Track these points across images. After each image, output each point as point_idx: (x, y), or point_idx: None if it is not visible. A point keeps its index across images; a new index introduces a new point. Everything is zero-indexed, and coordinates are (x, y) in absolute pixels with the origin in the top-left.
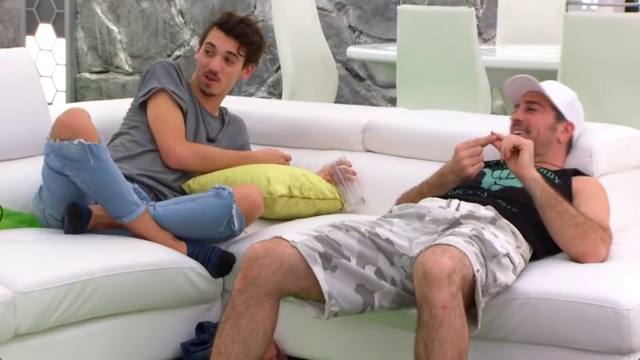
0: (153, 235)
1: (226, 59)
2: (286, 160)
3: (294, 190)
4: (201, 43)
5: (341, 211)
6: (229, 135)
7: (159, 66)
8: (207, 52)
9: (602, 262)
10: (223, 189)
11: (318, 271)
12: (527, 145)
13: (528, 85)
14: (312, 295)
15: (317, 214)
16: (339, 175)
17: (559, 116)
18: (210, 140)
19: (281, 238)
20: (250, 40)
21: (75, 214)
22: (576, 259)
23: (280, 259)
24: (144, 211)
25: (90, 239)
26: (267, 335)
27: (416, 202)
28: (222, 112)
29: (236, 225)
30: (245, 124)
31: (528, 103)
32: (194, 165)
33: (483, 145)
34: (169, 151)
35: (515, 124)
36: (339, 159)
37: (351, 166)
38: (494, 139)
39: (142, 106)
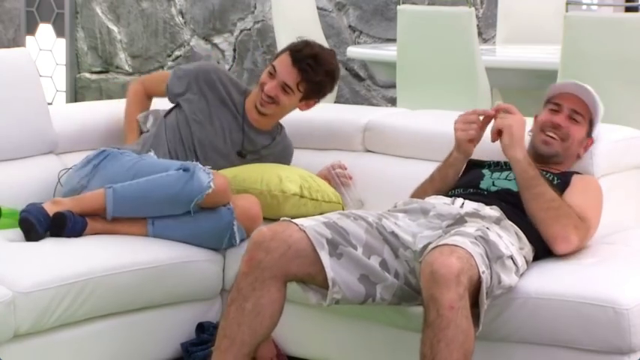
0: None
1: (282, 88)
2: None
3: (304, 191)
4: (273, 59)
5: None
6: (274, 155)
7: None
8: (270, 73)
9: (573, 250)
10: (223, 205)
11: (325, 256)
12: (508, 127)
13: (580, 93)
14: (316, 281)
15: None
16: (335, 180)
17: (589, 132)
18: (241, 155)
19: (290, 221)
20: (313, 79)
21: (58, 225)
22: (549, 244)
23: (288, 242)
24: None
25: (89, 239)
26: (274, 318)
27: (427, 192)
28: (276, 130)
29: (237, 239)
30: (292, 152)
31: (573, 112)
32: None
33: (481, 117)
34: None
35: (555, 128)
36: (332, 163)
37: (346, 169)
38: (494, 115)
39: None
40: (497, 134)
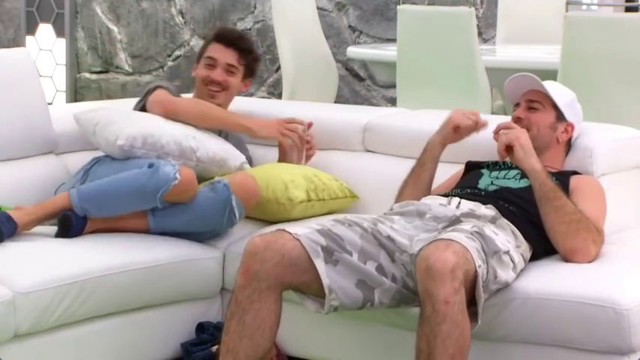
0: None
1: (227, 71)
2: (294, 133)
3: (311, 194)
4: (198, 59)
5: (347, 210)
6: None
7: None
8: (209, 65)
9: (589, 262)
10: (218, 182)
11: (320, 264)
12: (516, 139)
13: (530, 84)
14: (312, 289)
15: (329, 213)
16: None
17: (560, 116)
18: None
19: (283, 230)
20: (249, 50)
21: (65, 226)
22: (564, 256)
23: (281, 252)
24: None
25: (88, 239)
26: (273, 329)
27: (409, 184)
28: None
29: (237, 215)
30: (244, 142)
31: (529, 101)
32: (188, 110)
33: (477, 126)
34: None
35: (516, 122)
36: (302, 123)
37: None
38: (485, 125)
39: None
40: (507, 150)
